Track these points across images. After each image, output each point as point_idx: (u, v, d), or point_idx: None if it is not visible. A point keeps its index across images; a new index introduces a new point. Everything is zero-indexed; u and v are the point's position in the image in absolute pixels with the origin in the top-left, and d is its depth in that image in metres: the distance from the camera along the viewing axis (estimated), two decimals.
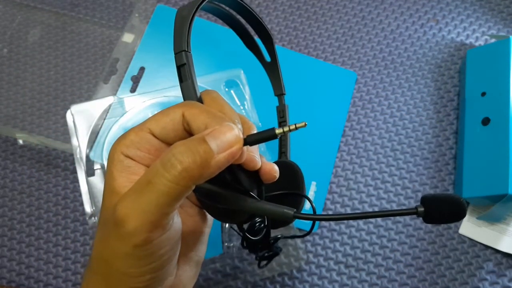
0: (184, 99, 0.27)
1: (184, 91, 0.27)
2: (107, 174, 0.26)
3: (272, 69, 0.41)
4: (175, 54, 0.27)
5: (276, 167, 0.27)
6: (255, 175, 0.27)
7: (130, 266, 0.24)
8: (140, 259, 0.24)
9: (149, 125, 0.26)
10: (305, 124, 0.24)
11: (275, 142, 0.44)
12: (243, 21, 0.38)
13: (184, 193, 0.23)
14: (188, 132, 0.26)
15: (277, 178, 0.28)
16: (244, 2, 0.34)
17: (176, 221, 0.26)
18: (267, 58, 0.41)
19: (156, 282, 0.26)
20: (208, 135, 0.23)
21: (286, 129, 0.24)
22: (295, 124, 0.24)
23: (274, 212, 0.26)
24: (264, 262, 0.42)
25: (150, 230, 0.23)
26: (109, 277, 0.25)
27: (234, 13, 0.36)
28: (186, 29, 0.27)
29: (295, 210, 0.26)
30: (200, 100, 0.27)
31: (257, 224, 0.36)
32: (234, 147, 0.24)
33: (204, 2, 0.29)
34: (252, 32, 0.40)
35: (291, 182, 0.37)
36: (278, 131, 0.24)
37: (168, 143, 0.26)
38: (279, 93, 0.42)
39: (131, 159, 0.26)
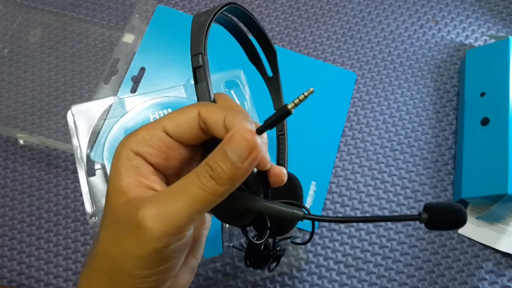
0: (198, 100, 0.28)
1: (198, 92, 0.28)
2: (113, 170, 0.26)
3: (273, 83, 0.41)
4: (192, 56, 0.28)
5: (285, 171, 0.28)
6: (263, 178, 0.28)
7: (140, 268, 0.25)
8: (153, 261, 0.25)
9: (163, 123, 0.26)
10: (313, 90, 0.24)
11: (273, 153, 0.44)
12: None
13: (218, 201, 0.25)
14: (204, 131, 0.26)
15: (285, 182, 0.28)
16: (252, 15, 0.34)
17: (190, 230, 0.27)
18: (269, 72, 0.41)
19: (159, 284, 0.26)
20: (227, 146, 0.24)
21: (296, 101, 0.24)
22: (303, 94, 0.24)
23: (284, 212, 0.26)
24: (273, 265, 0.42)
25: (173, 235, 0.24)
26: (114, 276, 0.25)
27: (241, 24, 0.37)
28: (204, 33, 0.28)
29: (304, 210, 0.26)
30: (214, 101, 0.28)
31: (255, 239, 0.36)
32: (253, 153, 0.24)
33: (222, 10, 0.30)
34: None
35: (290, 194, 0.37)
36: (290, 106, 0.25)
37: (181, 142, 0.27)
38: (279, 107, 0.42)
39: (140, 155, 0.26)
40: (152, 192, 0.25)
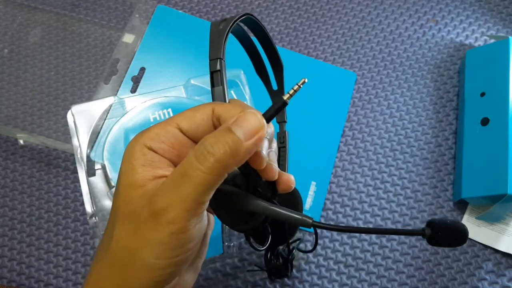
0: None
1: (215, 95, 0.29)
2: (125, 166, 0.26)
3: (278, 97, 0.42)
4: (210, 60, 0.29)
5: (292, 178, 0.29)
6: (271, 184, 0.29)
7: (158, 256, 0.25)
8: (171, 249, 0.25)
9: (177, 120, 0.27)
10: (306, 80, 0.25)
11: None
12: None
13: (218, 182, 0.25)
14: (216, 128, 0.27)
15: (292, 189, 0.29)
16: (265, 28, 0.35)
17: (205, 218, 0.27)
18: (274, 86, 0.42)
19: (171, 278, 0.27)
20: (233, 124, 0.25)
21: (291, 92, 0.25)
22: (297, 84, 0.25)
23: (293, 218, 0.27)
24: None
25: (187, 219, 0.24)
26: (129, 268, 0.26)
27: (252, 36, 0.38)
28: (223, 39, 0.29)
29: (313, 218, 0.27)
30: None
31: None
32: (260, 132, 0.25)
33: (240, 19, 0.31)
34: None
35: (289, 204, 0.38)
36: (286, 97, 0.25)
37: (194, 139, 0.27)
38: (281, 120, 0.43)
39: (154, 151, 0.26)
40: None
